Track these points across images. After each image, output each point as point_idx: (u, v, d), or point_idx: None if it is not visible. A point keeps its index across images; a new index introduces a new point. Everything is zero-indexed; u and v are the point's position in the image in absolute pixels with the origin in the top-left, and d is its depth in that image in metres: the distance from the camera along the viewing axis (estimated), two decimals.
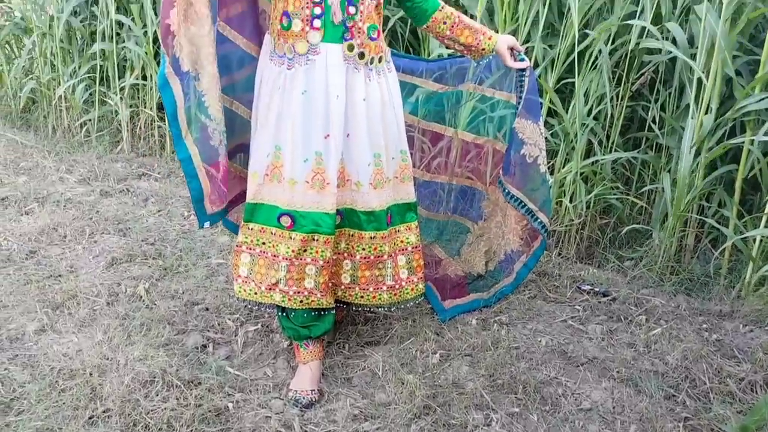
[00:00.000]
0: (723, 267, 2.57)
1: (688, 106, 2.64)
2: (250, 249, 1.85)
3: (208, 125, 1.81)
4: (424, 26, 1.99)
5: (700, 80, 2.54)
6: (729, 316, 2.35)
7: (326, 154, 1.78)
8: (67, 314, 2.18)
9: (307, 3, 1.70)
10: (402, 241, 1.99)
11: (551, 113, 2.99)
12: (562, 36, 2.89)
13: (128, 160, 3.81)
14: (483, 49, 2.02)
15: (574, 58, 2.75)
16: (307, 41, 1.73)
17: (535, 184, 2.24)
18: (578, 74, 2.79)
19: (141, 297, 2.32)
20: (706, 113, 2.53)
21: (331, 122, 1.77)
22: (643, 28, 2.77)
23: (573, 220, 2.83)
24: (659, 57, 2.79)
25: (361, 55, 1.78)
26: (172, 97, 1.70)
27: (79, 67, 4.04)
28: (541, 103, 2.30)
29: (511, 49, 2.05)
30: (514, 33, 2.95)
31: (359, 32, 1.76)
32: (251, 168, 1.85)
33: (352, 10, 1.73)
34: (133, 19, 3.74)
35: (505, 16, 2.94)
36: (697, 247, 2.72)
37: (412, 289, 2.01)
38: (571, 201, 2.82)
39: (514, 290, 2.43)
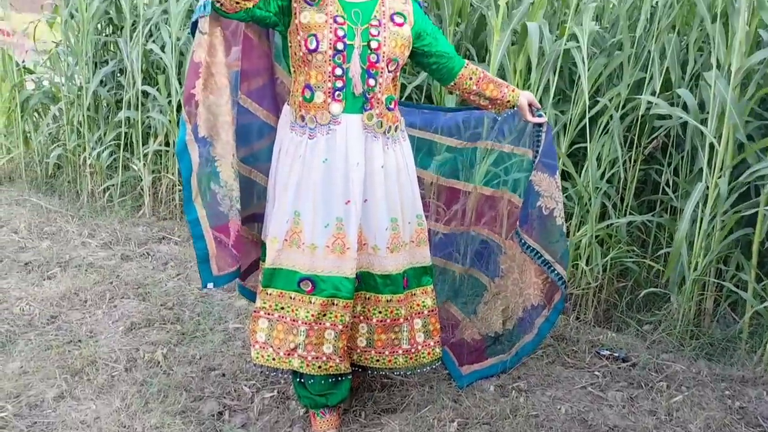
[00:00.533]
0: (744, 331, 2.54)
1: (701, 169, 2.66)
2: (269, 314, 1.87)
3: (218, 191, 1.87)
4: (452, 84, 2.04)
5: (712, 145, 2.57)
6: (752, 382, 2.30)
7: (347, 219, 1.83)
8: (86, 380, 2.19)
9: (329, 77, 1.77)
10: (418, 305, 2.00)
11: (565, 176, 3.02)
12: (574, 102, 2.96)
13: (149, 224, 3.88)
14: (507, 101, 2.07)
15: (585, 123, 2.81)
16: (329, 112, 1.80)
17: (553, 237, 2.24)
18: (590, 139, 2.84)
19: (159, 362, 2.33)
20: (720, 177, 2.55)
21: (351, 188, 1.82)
22: (654, 92, 2.83)
23: (590, 283, 2.83)
24: (670, 122, 2.84)
25: (380, 125, 1.84)
26: (189, 162, 1.78)
27: (105, 134, 4.18)
28: (557, 157, 2.32)
29: (530, 105, 2.10)
30: None
31: (378, 103, 1.83)
32: (270, 234, 1.89)
33: (371, 82, 1.80)
34: (158, 89, 3.88)
35: (517, 83, 3.02)
36: (716, 310, 2.69)
37: (429, 353, 2.01)
38: (587, 264, 2.82)
39: (535, 348, 2.39)
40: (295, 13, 1.76)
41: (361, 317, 1.94)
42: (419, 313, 2.00)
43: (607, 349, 2.53)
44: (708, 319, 2.67)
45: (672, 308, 2.67)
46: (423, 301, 2.01)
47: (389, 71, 1.83)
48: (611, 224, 2.86)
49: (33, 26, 4.56)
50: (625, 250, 2.85)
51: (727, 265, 2.67)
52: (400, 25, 1.83)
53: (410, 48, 1.88)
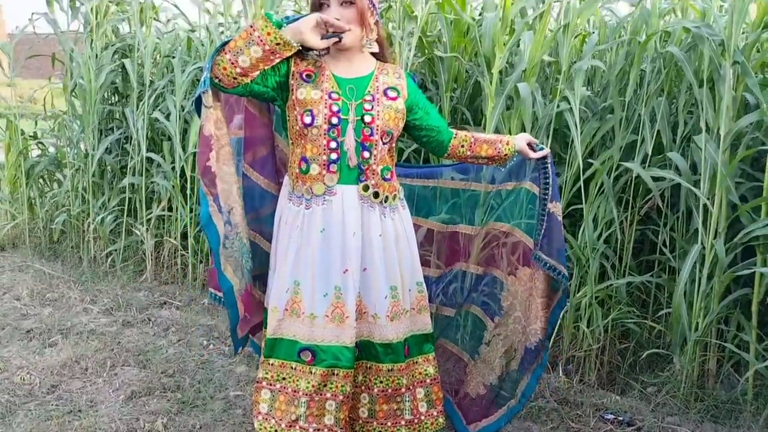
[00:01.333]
0: (748, 392, 2.52)
1: (697, 229, 2.70)
2: (271, 385, 1.87)
3: (239, 257, 1.93)
4: (445, 155, 2.10)
5: (706, 205, 2.62)
6: None
7: (345, 288, 1.85)
8: None
9: (324, 150, 1.83)
10: (420, 373, 2.00)
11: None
12: (568, 164, 3.02)
13: (151, 288, 3.90)
14: (505, 155, 2.09)
15: (580, 185, 2.86)
16: (324, 183, 1.85)
17: (563, 250, 2.21)
18: (585, 201, 2.88)
19: None
20: (715, 237, 2.58)
21: (349, 258, 1.85)
22: (646, 155, 2.89)
23: (592, 345, 2.82)
24: (664, 183, 2.89)
25: (376, 195, 1.89)
26: (216, 233, 1.84)
27: (109, 200, 4.24)
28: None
29: (529, 144, 2.11)
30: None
31: (373, 174, 1.88)
32: (271, 303, 1.91)
33: (366, 154, 1.85)
34: (162, 156, 3.97)
35: None
36: (719, 371, 2.68)
37: (432, 423, 2.00)
38: (588, 325, 2.82)
39: (537, 381, 2.28)
40: (292, 90, 1.83)
41: (363, 387, 1.94)
42: (421, 382, 2.00)
43: (611, 413, 2.51)
44: (712, 380, 2.66)
45: (675, 369, 2.66)
46: (425, 370, 2.01)
47: (384, 143, 1.88)
48: (610, 285, 2.87)
49: (40, 93, 4.68)
50: (625, 311, 2.86)
51: (728, 325, 2.67)
52: (394, 99, 1.90)
53: (404, 120, 1.94)
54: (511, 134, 3.07)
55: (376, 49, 1.91)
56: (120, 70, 4.34)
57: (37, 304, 3.62)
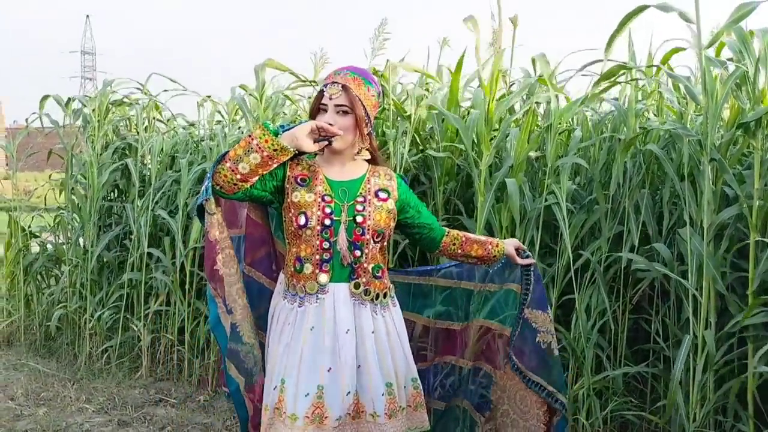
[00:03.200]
0: None
1: (688, 318, 2.74)
2: None
3: (240, 350, 1.98)
4: (437, 251, 2.20)
5: (695, 295, 2.68)
6: None
7: (327, 387, 1.87)
8: None
9: (318, 249, 1.91)
10: None
11: (557, 328, 3.09)
12: (559, 255, 3.10)
13: (146, 385, 3.86)
14: (494, 256, 2.22)
15: (571, 276, 2.93)
16: (317, 282, 1.91)
17: (554, 370, 2.28)
18: (577, 290, 2.95)
19: None
20: (706, 328, 2.63)
21: (340, 356, 1.88)
22: (633, 246, 2.98)
23: None
24: (653, 273, 2.96)
25: (366, 292, 1.95)
26: (224, 335, 1.89)
27: (106, 296, 4.27)
28: (545, 294, 2.40)
29: (517, 249, 2.26)
30: None
31: (364, 272, 1.95)
32: (264, 401, 1.93)
33: (357, 253, 1.93)
34: (163, 251, 4.04)
35: (503, 237, 3.18)
36: None
37: None
38: (587, 418, 2.82)
39: None
40: (287, 193, 1.94)
41: None
42: None
43: None
44: None
45: None
46: None
47: (375, 242, 1.97)
48: (607, 376, 2.89)
49: (35, 185, 4.80)
50: (622, 402, 2.86)
51: (726, 415, 2.68)
52: (385, 200, 2.00)
53: (395, 220, 2.03)
54: (501, 226, 3.18)
55: (368, 156, 2.04)
56: (122, 168, 4.48)
57: (32, 403, 3.58)
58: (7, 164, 4.90)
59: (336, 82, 1.92)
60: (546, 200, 3.02)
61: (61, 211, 4.73)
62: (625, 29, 2.69)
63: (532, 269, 2.30)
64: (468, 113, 3.51)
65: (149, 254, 4.11)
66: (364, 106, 1.93)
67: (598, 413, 2.79)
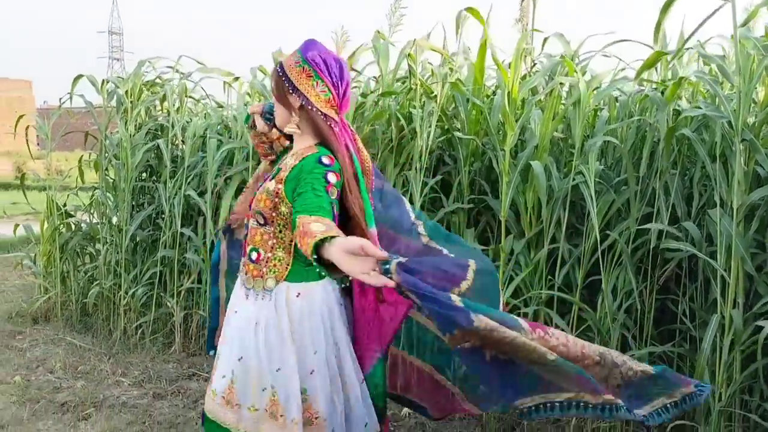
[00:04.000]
0: None
1: (716, 299, 2.74)
2: None
3: None
4: None
5: (723, 276, 2.67)
6: None
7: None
8: None
9: None
10: None
11: (583, 309, 3.11)
12: (585, 235, 3.11)
13: (179, 360, 3.98)
14: None
15: (598, 256, 2.94)
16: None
17: None
18: (604, 271, 2.96)
19: None
20: (734, 308, 2.63)
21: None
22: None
23: None
24: (681, 254, 2.96)
25: (245, 274, 2.00)
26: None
27: (140, 273, 4.39)
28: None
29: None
30: (539, 234, 3.19)
31: (246, 262, 1.98)
32: None
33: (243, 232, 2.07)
34: (194, 230, 4.13)
35: (530, 219, 3.20)
36: None
37: None
38: None
39: None
40: None
41: None
42: None
43: None
44: None
45: None
46: None
47: (259, 223, 1.89)
48: (632, 356, 2.90)
49: (66, 165, 4.90)
50: None
51: (752, 395, 2.69)
52: (269, 179, 1.91)
53: (282, 202, 1.85)
54: (527, 207, 3.19)
55: (297, 131, 1.89)
56: (154, 148, 4.57)
57: (70, 376, 3.72)
58: (38, 144, 5.02)
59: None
60: (573, 180, 3.02)
61: (96, 190, 4.84)
62: (668, 13, 2.68)
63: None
64: (494, 93, 3.52)
65: (181, 233, 4.21)
66: (286, 75, 1.84)
67: None
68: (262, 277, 1.88)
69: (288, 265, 1.86)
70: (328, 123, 1.85)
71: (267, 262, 1.88)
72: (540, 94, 3.27)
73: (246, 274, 1.92)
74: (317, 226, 1.60)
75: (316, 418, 1.83)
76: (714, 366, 2.67)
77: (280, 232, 1.86)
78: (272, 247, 1.87)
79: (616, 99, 3.38)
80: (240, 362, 1.84)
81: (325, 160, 1.81)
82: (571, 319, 3.09)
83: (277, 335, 1.82)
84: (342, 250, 1.47)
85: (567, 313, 3.14)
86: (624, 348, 2.99)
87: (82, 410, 3.23)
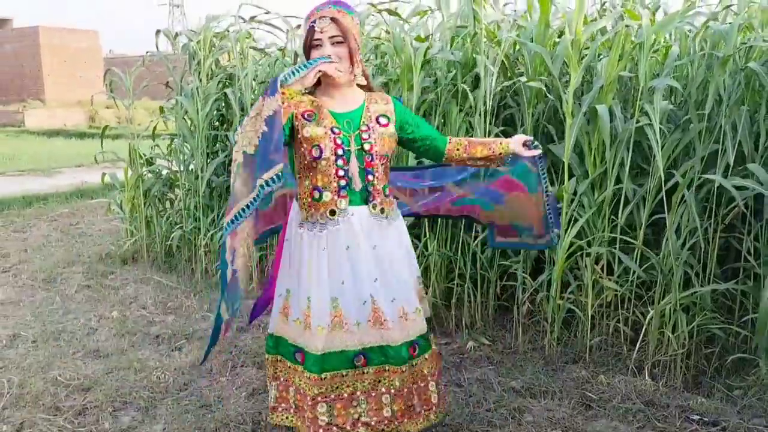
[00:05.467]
0: None
1: None
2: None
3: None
4: (443, 159, 2.35)
5: None
6: None
7: (342, 298, 2.10)
8: None
9: (334, 178, 2.10)
10: (422, 373, 2.21)
11: (647, 245, 3.17)
12: (651, 175, 3.14)
13: (258, 297, 4.26)
14: (500, 154, 2.29)
15: (662, 196, 2.98)
16: (338, 207, 2.11)
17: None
18: (668, 211, 3.00)
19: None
20: None
21: (358, 270, 2.10)
22: (728, 165, 2.97)
23: (677, 350, 2.93)
24: (747, 192, 2.96)
25: (382, 211, 2.16)
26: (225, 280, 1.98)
27: (218, 218, 4.67)
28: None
29: (524, 144, 2.29)
30: (603, 175, 3.24)
31: (378, 193, 2.15)
32: (312, 320, 2.14)
33: (370, 177, 2.13)
34: None
35: (594, 159, 3.24)
36: None
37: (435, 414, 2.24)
38: (673, 332, 2.94)
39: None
40: (298, 129, 2.09)
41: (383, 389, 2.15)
42: (431, 375, 2.23)
43: (697, 414, 2.62)
44: None
45: (761, 373, 2.74)
46: (429, 366, 2.22)
47: (381, 164, 2.15)
48: (695, 293, 2.97)
49: (142, 114, 5.17)
50: (710, 317, 2.95)
51: None
52: (386, 125, 2.16)
53: (396, 141, 2.22)
54: (590, 148, 3.24)
55: (364, 81, 2.19)
56: (223, 98, 4.77)
57: (161, 312, 4.07)
58: (111, 91, 5.27)
59: (324, 17, 2.05)
60: (638, 121, 3.04)
61: (174, 139, 5.12)
62: None
63: (539, 162, 2.34)
64: (560, 36, 3.50)
65: None
66: (354, 35, 2.07)
67: (685, 327, 2.90)
68: (393, 204, 2.22)
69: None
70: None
71: (391, 192, 2.23)
72: (608, 34, 3.25)
73: (386, 211, 2.17)
74: None
75: None
76: None
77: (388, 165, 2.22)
78: (388, 179, 2.23)
79: (687, 34, 3.32)
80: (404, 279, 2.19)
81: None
82: (635, 258, 3.16)
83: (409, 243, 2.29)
84: None
85: (630, 252, 3.21)
86: (687, 285, 3.05)
87: (175, 342, 3.56)
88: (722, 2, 3.28)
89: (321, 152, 2.07)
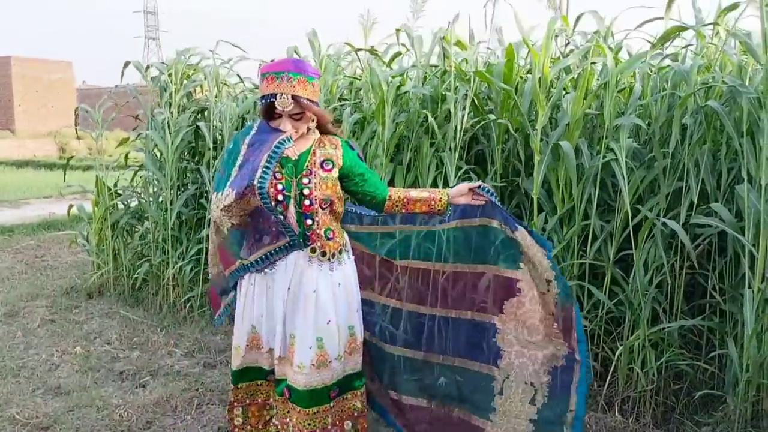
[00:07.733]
0: None
1: (744, 274, 2.81)
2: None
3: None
4: (383, 211, 2.37)
5: (752, 251, 2.74)
6: None
7: (261, 325, 2.24)
8: None
9: (273, 222, 2.13)
10: (349, 408, 2.31)
11: (615, 282, 3.20)
12: (617, 211, 3.19)
13: (226, 332, 4.19)
14: (439, 210, 2.33)
15: (629, 232, 3.02)
16: (274, 250, 2.16)
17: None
18: (635, 247, 3.04)
19: None
20: (763, 281, 2.69)
21: (282, 308, 2.19)
22: (692, 202, 3.03)
23: (646, 386, 2.94)
24: (711, 230, 3.02)
25: (323, 254, 2.18)
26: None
27: (187, 250, 4.61)
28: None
29: (471, 191, 2.31)
30: (571, 211, 3.27)
31: (318, 237, 2.18)
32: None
33: (309, 222, 2.17)
34: None
35: (562, 195, 3.28)
36: None
37: None
38: (642, 367, 2.95)
39: (586, 393, 2.23)
40: None
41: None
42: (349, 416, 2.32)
43: None
44: (765, 419, 2.73)
45: (728, 410, 2.76)
46: (353, 405, 2.32)
47: (323, 209, 2.17)
48: (663, 328, 2.99)
49: (110, 144, 5.11)
50: (678, 354, 2.97)
51: None
52: (329, 170, 2.19)
53: (339, 186, 2.23)
54: (558, 184, 3.27)
55: (314, 124, 2.19)
56: (194, 130, 4.75)
57: (126, 347, 3.97)
58: (77, 124, 5.22)
59: (283, 94, 2.05)
60: (605, 157, 3.09)
61: (142, 170, 5.06)
62: None
63: (487, 196, 2.30)
64: (528, 72, 3.57)
65: None
66: (314, 103, 2.11)
67: (653, 363, 2.92)
68: (342, 246, 2.25)
69: (342, 232, 2.29)
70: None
71: (336, 235, 2.23)
72: (572, 74, 3.32)
73: (327, 254, 2.19)
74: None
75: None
76: (742, 339, 2.75)
77: (340, 208, 2.24)
78: (336, 223, 2.26)
79: (650, 74, 3.41)
80: (328, 324, 2.18)
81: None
82: (604, 290, 3.18)
83: (352, 289, 2.30)
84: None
85: (599, 287, 3.23)
86: (655, 321, 3.08)
87: (139, 378, 3.47)
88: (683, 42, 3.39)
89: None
